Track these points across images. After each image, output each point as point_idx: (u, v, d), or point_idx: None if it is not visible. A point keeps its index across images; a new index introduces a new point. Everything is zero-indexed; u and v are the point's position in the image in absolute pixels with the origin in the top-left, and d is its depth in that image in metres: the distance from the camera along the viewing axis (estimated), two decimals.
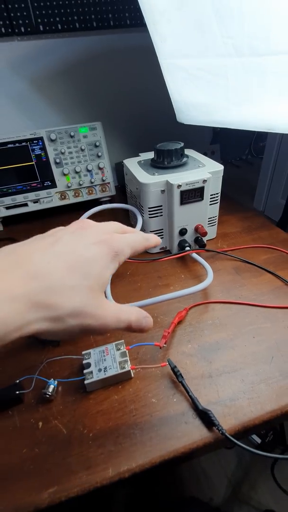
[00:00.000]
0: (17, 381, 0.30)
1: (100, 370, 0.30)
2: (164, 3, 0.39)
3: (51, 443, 0.26)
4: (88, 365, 0.30)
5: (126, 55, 0.66)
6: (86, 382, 0.29)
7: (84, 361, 0.31)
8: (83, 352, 0.31)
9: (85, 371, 0.30)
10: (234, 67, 0.37)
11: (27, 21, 0.59)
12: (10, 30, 0.59)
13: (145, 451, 0.25)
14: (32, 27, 0.60)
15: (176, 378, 0.29)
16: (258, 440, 0.82)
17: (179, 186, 0.42)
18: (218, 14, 0.35)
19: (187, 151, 0.54)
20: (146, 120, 0.74)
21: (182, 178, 0.43)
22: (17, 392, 0.29)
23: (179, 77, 0.46)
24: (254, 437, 0.83)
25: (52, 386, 0.29)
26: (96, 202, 0.65)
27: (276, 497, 0.75)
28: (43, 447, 0.26)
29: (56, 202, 0.62)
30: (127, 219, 0.61)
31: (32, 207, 0.61)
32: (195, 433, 0.26)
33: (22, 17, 0.58)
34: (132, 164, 0.50)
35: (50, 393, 0.29)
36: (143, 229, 0.48)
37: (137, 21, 0.64)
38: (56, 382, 0.30)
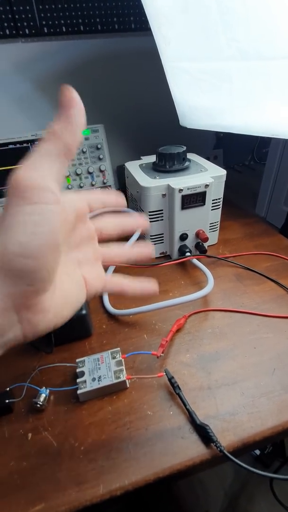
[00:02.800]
0: (7, 389, 0.29)
1: (94, 379, 0.28)
2: (169, 6, 0.38)
3: (40, 456, 0.25)
4: (82, 373, 0.29)
5: (130, 58, 0.66)
6: (79, 392, 0.28)
7: (78, 370, 0.29)
8: (77, 360, 0.30)
9: (78, 380, 0.28)
10: (238, 70, 0.37)
11: (31, 23, 0.59)
12: (14, 31, 0.59)
13: (139, 467, 0.24)
14: (37, 29, 0.60)
15: (173, 390, 0.28)
16: (257, 452, 0.80)
17: (180, 190, 0.41)
18: (223, 18, 0.34)
19: (190, 155, 0.53)
20: (148, 123, 0.74)
21: (183, 182, 0.42)
22: (7, 401, 0.28)
23: (183, 81, 0.45)
24: None
25: (43, 395, 0.28)
26: None
27: (274, 511, 0.72)
28: (31, 460, 0.25)
29: None
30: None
31: None
32: (191, 449, 0.24)
33: (26, 19, 0.58)
34: (133, 167, 0.49)
35: (41, 403, 0.27)
36: (142, 234, 0.47)
37: (141, 25, 0.64)
38: (48, 391, 0.29)
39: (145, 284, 0.22)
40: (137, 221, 0.23)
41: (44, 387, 0.29)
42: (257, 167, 0.90)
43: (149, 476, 0.23)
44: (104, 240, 0.22)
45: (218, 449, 0.24)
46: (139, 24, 0.64)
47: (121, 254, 0.22)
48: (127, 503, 0.63)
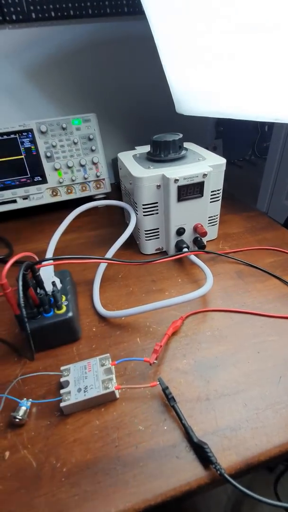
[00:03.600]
0: None
1: (79, 390, 0.26)
2: None
3: (18, 479, 0.22)
4: (67, 383, 0.26)
5: (124, 43, 0.62)
6: (62, 404, 0.25)
7: (62, 379, 0.26)
8: (62, 368, 0.27)
9: (61, 391, 0.25)
10: (235, 45, 0.33)
11: (18, 8, 0.56)
12: (1, 18, 0.55)
13: (127, 493, 0.21)
14: (24, 15, 0.56)
15: (168, 402, 0.25)
16: None
17: (176, 180, 0.38)
18: None
19: (187, 145, 0.50)
20: (144, 113, 0.70)
21: (179, 171, 0.39)
22: None
23: (178, 62, 0.42)
24: None
25: (23, 408, 0.25)
26: (90, 199, 0.61)
27: None
28: (7, 483, 0.22)
29: (47, 198, 0.59)
30: (122, 216, 0.57)
31: (21, 204, 0.57)
32: (188, 471, 0.21)
33: (13, 4, 0.55)
34: (126, 158, 0.46)
35: (20, 417, 0.24)
36: (137, 228, 0.44)
37: (135, 9, 0.60)
38: (29, 403, 0.26)
39: None
40: None
41: (25, 399, 0.26)
42: (258, 161, 0.87)
43: (139, 503, 0.20)
44: None
45: (218, 472, 0.21)
46: (132, 7, 0.60)
47: None
48: None
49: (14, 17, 0.56)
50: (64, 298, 0.32)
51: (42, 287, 0.31)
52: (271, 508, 0.70)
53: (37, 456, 0.23)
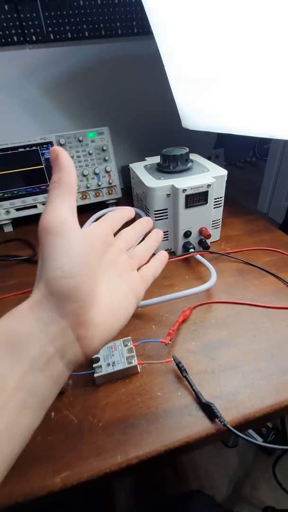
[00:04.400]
0: None
1: (108, 364, 0.31)
2: (172, 16, 0.40)
3: (63, 432, 0.28)
4: (97, 359, 0.32)
5: (133, 62, 0.68)
6: (95, 375, 0.31)
7: (94, 356, 0.32)
8: None
9: (94, 365, 0.31)
10: (236, 75, 0.39)
11: (38, 30, 0.61)
12: (22, 38, 0.61)
13: (151, 440, 0.27)
14: (43, 36, 0.62)
15: (181, 373, 0.31)
16: (260, 440, 0.83)
17: (184, 190, 0.43)
18: (225, 27, 0.37)
19: (192, 156, 0.55)
20: (151, 125, 0.76)
21: (187, 182, 0.44)
22: None
23: (184, 85, 0.48)
24: (256, 436, 0.84)
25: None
26: (102, 204, 0.67)
27: (277, 497, 0.75)
28: (55, 435, 0.28)
29: None
30: (132, 220, 0.63)
31: (41, 209, 0.63)
32: (198, 425, 0.27)
33: (33, 26, 0.61)
34: (138, 168, 0.52)
35: (64, 386, 0.30)
36: (148, 232, 0.50)
37: (144, 30, 0.66)
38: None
39: (160, 258, 0.28)
40: (146, 225, 0.29)
41: None
42: (258, 163, 0.91)
43: (160, 447, 0.26)
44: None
45: (222, 423, 0.26)
46: (141, 28, 0.66)
47: (145, 255, 0.27)
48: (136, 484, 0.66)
49: (34, 38, 0.62)
50: None
51: None
52: (270, 487, 0.76)
53: (77, 415, 0.29)
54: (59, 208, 0.19)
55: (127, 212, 0.27)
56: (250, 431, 0.85)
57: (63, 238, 0.19)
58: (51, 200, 0.20)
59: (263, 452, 0.85)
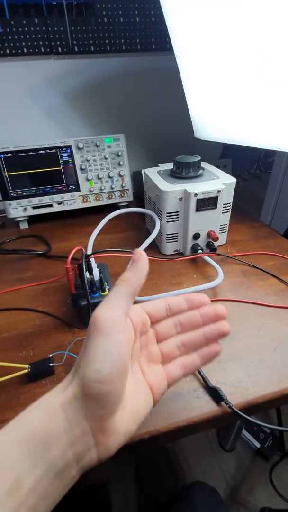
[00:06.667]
0: (50, 355, 0.34)
1: None
2: (192, 40, 0.45)
3: None
4: None
5: (151, 75, 0.73)
6: None
7: None
8: None
9: None
10: (249, 91, 0.43)
11: (64, 42, 0.66)
12: (48, 49, 0.66)
13: (162, 418, 0.29)
14: (68, 48, 0.67)
15: None
16: (258, 445, 0.84)
17: (196, 194, 0.47)
18: (243, 46, 0.41)
19: (203, 164, 0.59)
20: (164, 134, 0.80)
21: (198, 187, 0.48)
22: (50, 364, 0.33)
23: (200, 98, 0.52)
24: (254, 441, 0.85)
25: None
26: (114, 206, 0.70)
27: (273, 502, 0.76)
28: None
29: (78, 204, 0.68)
30: (142, 222, 0.66)
31: (56, 208, 0.67)
32: (205, 406, 0.30)
33: (60, 39, 0.66)
34: (152, 173, 0.55)
35: None
36: (160, 232, 0.53)
37: (161, 46, 0.70)
38: None
39: (206, 351, 0.25)
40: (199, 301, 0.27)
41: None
42: (262, 175, 0.95)
43: (171, 425, 0.28)
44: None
45: (228, 405, 0.29)
46: (159, 45, 0.70)
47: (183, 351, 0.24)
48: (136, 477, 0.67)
49: (59, 49, 0.67)
50: (105, 283, 0.41)
51: (92, 273, 0.39)
52: (267, 491, 0.77)
53: None
54: (115, 308, 0.20)
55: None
56: (248, 435, 0.86)
57: (109, 338, 0.19)
58: (112, 297, 0.20)
59: (260, 457, 0.86)
